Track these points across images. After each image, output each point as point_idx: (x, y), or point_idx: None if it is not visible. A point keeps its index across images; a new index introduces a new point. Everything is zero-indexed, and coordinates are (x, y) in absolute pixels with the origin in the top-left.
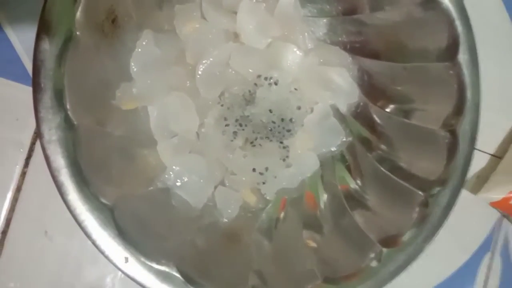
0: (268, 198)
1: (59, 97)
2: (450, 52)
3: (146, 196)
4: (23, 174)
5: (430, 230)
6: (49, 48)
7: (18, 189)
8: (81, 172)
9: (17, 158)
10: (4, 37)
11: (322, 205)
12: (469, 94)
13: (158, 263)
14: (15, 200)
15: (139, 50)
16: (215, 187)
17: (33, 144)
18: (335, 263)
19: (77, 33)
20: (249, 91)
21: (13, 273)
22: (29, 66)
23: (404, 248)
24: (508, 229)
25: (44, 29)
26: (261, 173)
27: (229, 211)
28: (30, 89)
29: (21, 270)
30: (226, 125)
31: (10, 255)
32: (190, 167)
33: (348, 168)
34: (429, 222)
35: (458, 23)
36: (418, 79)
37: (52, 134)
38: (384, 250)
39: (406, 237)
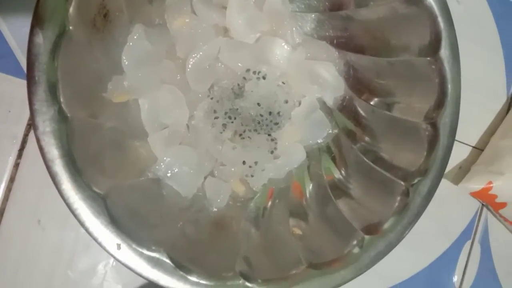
0: (255, 190)
1: (53, 90)
2: (432, 47)
3: (137, 186)
4: (16, 165)
5: (410, 218)
6: (42, 42)
7: (12, 180)
8: (74, 162)
9: (10, 149)
10: None
11: (308, 195)
12: (450, 88)
13: (149, 249)
14: (8, 190)
15: (130, 44)
16: (205, 178)
17: (26, 135)
18: (319, 250)
19: (70, 27)
20: (238, 85)
21: (7, 263)
22: (22, 60)
23: (385, 235)
24: (487, 218)
25: (37, 24)
26: (250, 166)
27: (219, 200)
28: (22, 82)
29: (14, 259)
30: (216, 118)
31: (4, 244)
32: (181, 158)
33: (334, 159)
34: (409, 211)
35: (440, 20)
36: (401, 73)
37: (46, 126)
38: (366, 237)
39: (387, 224)
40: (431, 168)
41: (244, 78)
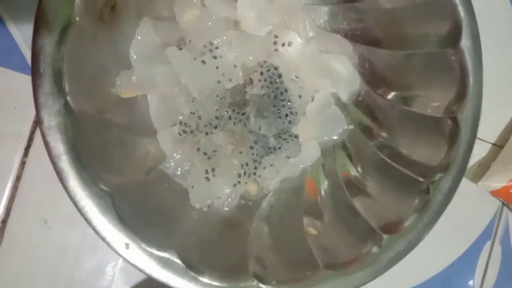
0: (266, 192)
1: (58, 83)
2: (453, 38)
3: (146, 184)
4: (23, 164)
5: (431, 217)
6: (48, 33)
7: (18, 178)
8: (80, 158)
9: (17, 147)
10: (3, 27)
11: (323, 193)
12: (471, 80)
13: (159, 249)
14: (14, 189)
15: (139, 37)
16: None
17: (32, 133)
18: (336, 250)
19: (76, 19)
20: (250, 79)
21: (13, 262)
22: (28, 56)
23: (404, 234)
24: (508, 217)
25: (43, 15)
26: (265, 168)
27: (230, 200)
28: (28, 78)
29: (21, 259)
30: (226, 112)
31: (10, 244)
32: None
33: (349, 156)
34: (430, 209)
35: (461, 9)
36: (419, 66)
37: (51, 120)
38: (385, 236)
39: (407, 223)
40: (452, 164)
41: (256, 71)
